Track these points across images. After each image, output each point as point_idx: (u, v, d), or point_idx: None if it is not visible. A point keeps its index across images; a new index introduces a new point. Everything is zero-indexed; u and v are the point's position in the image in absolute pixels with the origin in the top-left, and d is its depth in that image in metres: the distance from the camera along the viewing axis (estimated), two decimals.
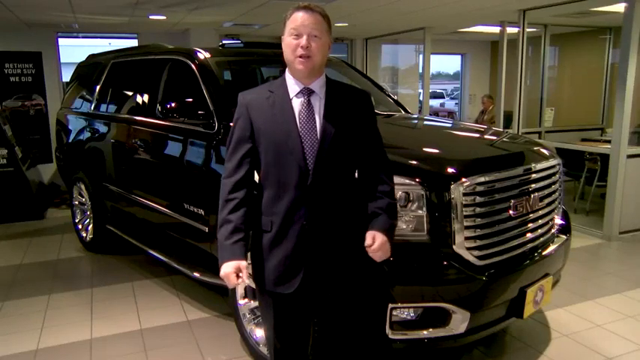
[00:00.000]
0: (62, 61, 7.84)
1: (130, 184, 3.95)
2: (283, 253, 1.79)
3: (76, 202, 4.96)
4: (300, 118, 1.77)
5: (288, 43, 1.76)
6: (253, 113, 1.81)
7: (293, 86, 1.81)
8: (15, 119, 7.07)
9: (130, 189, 3.94)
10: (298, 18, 1.74)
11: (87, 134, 4.63)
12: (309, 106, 1.79)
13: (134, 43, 8.16)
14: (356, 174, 1.90)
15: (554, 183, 2.81)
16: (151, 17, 6.47)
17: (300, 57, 1.73)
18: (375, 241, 1.79)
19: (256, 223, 1.84)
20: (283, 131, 1.76)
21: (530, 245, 2.62)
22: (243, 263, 1.76)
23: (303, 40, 1.72)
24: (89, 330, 3.26)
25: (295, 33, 1.74)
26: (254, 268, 1.91)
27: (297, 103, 1.79)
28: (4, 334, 3.24)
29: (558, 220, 2.94)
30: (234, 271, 1.75)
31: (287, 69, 1.84)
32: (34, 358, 2.95)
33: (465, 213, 2.32)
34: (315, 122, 1.78)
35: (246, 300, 2.83)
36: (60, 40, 7.80)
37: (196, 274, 3.24)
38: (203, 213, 3.08)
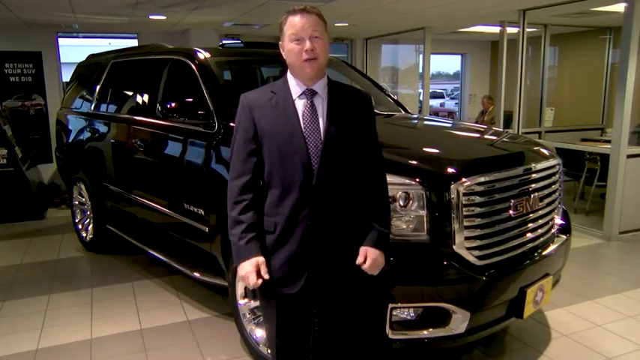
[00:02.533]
0: (62, 61, 7.83)
1: (130, 184, 3.95)
2: (287, 253, 1.80)
3: (76, 202, 4.96)
4: (303, 119, 1.78)
5: (290, 48, 1.76)
6: (256, 114, 1.81)
7: (295, 87, 1.82)
8: (15, 119, 7.07)
9: (130, 189, 3.94)
10: (297, 23, 1.74)
11: (87, 134, 4.63)
12: (312, 107, 1.80)
13: (134, 43, 8.15)
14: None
15: (554, 183, 2.81)
16: (151, 17, 6.48)
17: (307, 60, 1.74)
18: (368, 259, 1.82)
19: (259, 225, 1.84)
20: (287, 131, 1.76)
21: (530, 245, 2.62)
22: (261, 259, 1.78)
23: (307, 44, 1.73)
24: (89, 330, 3.26)
25: (296, 38, 1.74)
26: None
27: (300, 104, 1.80)
28: (4, 334, 3.24)
29: (558, 220, 2.94)
30: (254, 269, 1.76)
31: (288, 71, 1.85)
32: (34, 358, 2.95)
33: (465, 213, 2.32)
34: (318, 122, 1.78)
35: (246, 300, 2.83)
36: (60, 40, 7.79)
37: (196, 274, 3.24)
38: (203, 213, 3.08)
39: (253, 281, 1.76)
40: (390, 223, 1.97)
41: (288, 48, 1.77)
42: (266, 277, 1.78)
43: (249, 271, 1.76)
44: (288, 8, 1.79)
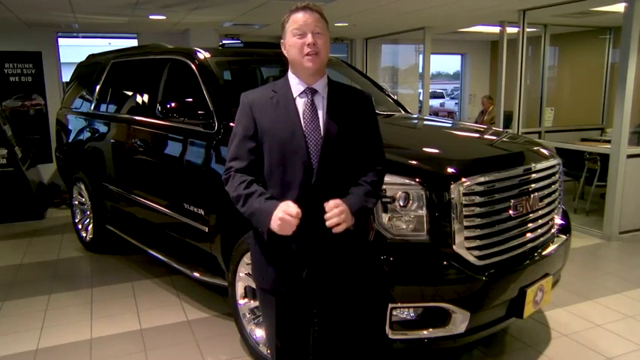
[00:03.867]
0: (62, 61, 7.83)
1: (129, 184, 3.95)
2: (287, 252, 1.80)
3: (76, 202, 4.96)
4: (304, 118, 1.78)
5: (293, 43, 1.77)
6: (257, 112, 1.82)
7: (296, 86, 1.82)
8: (15, 119, 7.07)
9: (129, 189, 3.94)
10: (299, 18, 1.76)
11: (87, 134, 4.63)
12: (312, 105, 1.80)
13: (134, 43, 8.15)
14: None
15: (554, 183, 2.81)
16: (151, 17, 6.48)
17: (308, 55, 1.75)
18: (335, 207, 1.69)
19: None
20: (288, 130, 1.77)
21: (530, 245, 2.62)
22: (289, 203, 1.69)
23: (309, 38, 1.74)
24: (89, 330, 3.26)
25: (299, 32, 1.75)
26: (256, 267, 1.91)
27: (300, 103, 1.81)
28: (4, 334, 3.24)
29: (558, 220, 2.94)
30: (284, 214, 1.66)
31: (290, 69, 1.86)
32: (34, 358, 2.95)
33: (464, 213, 2.32)
34: (318, 121, 1.79)
35: (246, 300, 2.83)
36: (60, 40, 7.79)
37: (196, 274, 3.24)
38: (203, 213, 3.08)
39: (293, 222, 1.66)
40: (376, 201, 1.88)
41: (290, 43, 1.78)
42: (297, 209, 1.67)
43: (282, 216, 1.66)
44: (287, 8, 1.81)
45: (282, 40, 1.83)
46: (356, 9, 6.11)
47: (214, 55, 3.47)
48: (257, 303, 2.73)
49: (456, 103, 17.33)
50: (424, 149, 2.72)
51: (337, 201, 1.72)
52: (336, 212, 1.69)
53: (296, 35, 1.76)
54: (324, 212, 1.75)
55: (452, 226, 2.30)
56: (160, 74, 3.70)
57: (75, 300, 3.74)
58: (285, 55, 1.83)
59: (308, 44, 1.74)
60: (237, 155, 1.83)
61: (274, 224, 1.69)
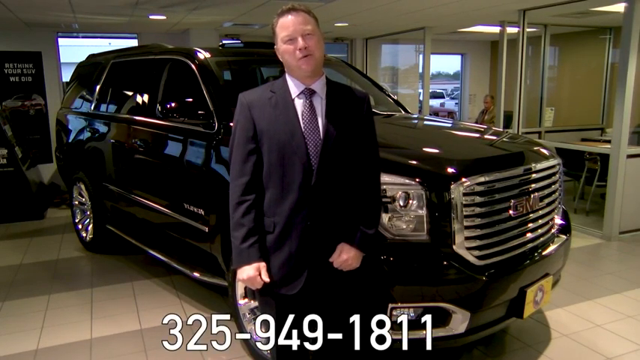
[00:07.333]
0: (62, 61, 7.84)
1: (129, 184, 3.95)
2: (287, 253, 1.80)
3: (76, 202, 4.96)
4: (303, 119, 1.78)
5: (285, 49, 1.78)
6: (256, 113, 1.81)
7: (294, 87, 1.82)
8: (15, 119, 7.07)
9: (129, 189, 3.94)
10: (287, 24, 1.76)
11: (87, 134, 4.63)
12: (311, 106, 1.80)
13: (134, 43, 8.16)
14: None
15: (554, 183, 2.81)
16: (151, 17, 6.48)
17: (302, 58, 1.74)
18: (341, 256, 1.81)
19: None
20: (287, 131, 1.76)
21: (530, 245, 2.62)
22: (262, 264, 1.80)
23: (300, 42, 1.74)
24: (89, 330, 3.26)
25: (289, 38, 1.76)
26: None
27: (299, 104, 1.80)
28: (4, 334, 3.24)
29: (558, 220, 2.94)
30: (255, 274, 1.78)
31: (286, 70, 1.85)
32: (34, 358, 2.95)
33: (465, 213, 2.32)
34: (317, 122, 1.78)
35: (246, 300, 2.83)
36: (60, 40, 7.80)
37: (196, 274, 3.24)
38: (203, 213, 3.08)
39: (258, 283, 1.79)
40: (378, 223, 1.95)
41: (283, 49, 1.79)
42: (266, 279, 1.79)
43: (251, 275, 1.78)
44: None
45: (275, 46, 1.83)
46: (356, 9, 6.11)
47: (214, 55, 3.47)
48: (257, 303, 2.73)
49: (456, 103, 17.33)
50: (424, 149, 2.72)
51: (342, 253, 1.80)
52: (337, 264, 1.81)
53: (287, 42, 1.76)
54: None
55: (452, 226, 2.30)
56: (160, 74, 3.70)
57: (75, 300, 3.74)
58: (281, 59, 1.83)
59: (300, 49, 1.74)
60: (240, 168, 1.82)
61: (241, 274, 1.80)
